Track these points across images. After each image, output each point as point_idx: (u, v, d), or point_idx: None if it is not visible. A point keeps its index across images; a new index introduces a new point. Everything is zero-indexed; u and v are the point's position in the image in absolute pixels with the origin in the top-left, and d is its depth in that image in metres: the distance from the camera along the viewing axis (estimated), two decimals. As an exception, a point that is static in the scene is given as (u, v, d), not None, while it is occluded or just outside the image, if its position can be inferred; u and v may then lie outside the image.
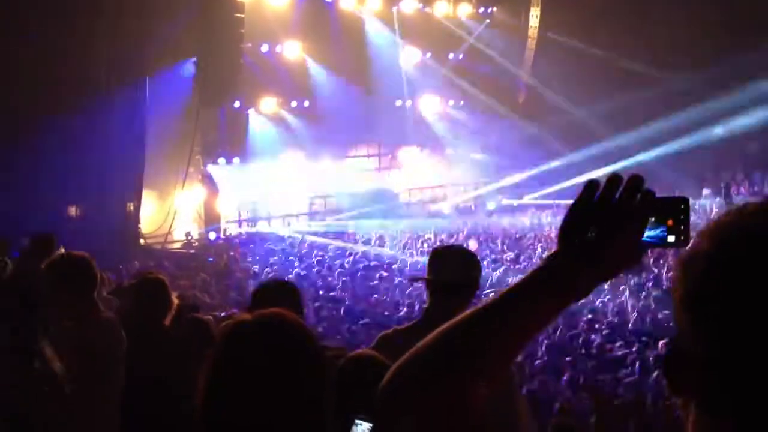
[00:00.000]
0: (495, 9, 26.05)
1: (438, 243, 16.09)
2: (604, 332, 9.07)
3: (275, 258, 16.41)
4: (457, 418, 1.07)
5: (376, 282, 13.19)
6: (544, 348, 8.28)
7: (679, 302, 0.89)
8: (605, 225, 1.06)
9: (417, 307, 10.17)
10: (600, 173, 18.85)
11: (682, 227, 1.11)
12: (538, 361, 7.98)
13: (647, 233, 1.10)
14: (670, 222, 1.11)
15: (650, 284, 11.55)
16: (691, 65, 22.06)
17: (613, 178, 1.08)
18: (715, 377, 0.84)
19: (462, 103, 26.18)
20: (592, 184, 1.09)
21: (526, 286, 1.09)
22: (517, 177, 24.82)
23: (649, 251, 1.17)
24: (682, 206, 1.12)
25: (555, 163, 23.89)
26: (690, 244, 0.93)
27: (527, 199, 24.57)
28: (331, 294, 12.31)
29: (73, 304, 3.58)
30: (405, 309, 10.34)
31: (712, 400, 0.85)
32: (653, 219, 1.10)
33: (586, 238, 1.07)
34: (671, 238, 1.12)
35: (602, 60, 22.89)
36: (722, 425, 0.84)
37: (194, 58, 19.46)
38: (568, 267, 1.07)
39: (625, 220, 1.06)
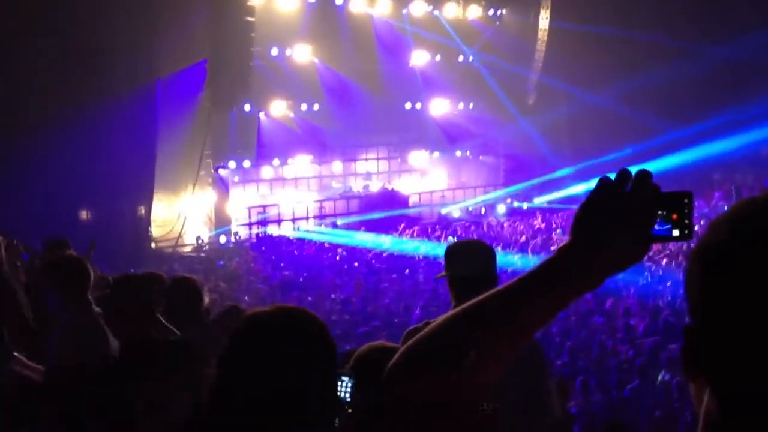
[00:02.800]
0: (504, 11, 26.03)
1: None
2: (618, 335, 9.02)
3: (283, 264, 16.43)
4: (461, 402, 1.11)
5: (386, 285, 13.19)
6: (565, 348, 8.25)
7: (697, 291, 0.92)
8: (616, 218, 1.09)
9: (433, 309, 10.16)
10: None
11: (686, 221, 1.14)
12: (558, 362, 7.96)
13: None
14: (674, 216, 1.14)
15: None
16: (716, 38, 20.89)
17: (623, 173, 1.11)
18: (733, 360, 0.87)
19: (472, 105, 26.16)
20: (603, 180, 1.12)
21: (537, 275, 1.11)
22: (528, 182, 24.71)
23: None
24: (686, 200, 1.14)
25: (565, 171, 23.77)
26: (705, 236, 0.94)
27: (537, 202, 24.50)
28: (342, 297, 12.32)
29: (66, 305, 3.62)
30: (418, 311, 10.32)
31: (729, 387, 0.89)
32: (660, 213, 1.12)
33: (597, 231, 1.09)
34: (676, 232, 1.14)
35: (616, 42, 22.02)
36: (733, 407, 0.88)
37: (205, 62, 19.53)
38: (579, 258, 1.09)
39: (636, 214, 1.09)
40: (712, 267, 0.90)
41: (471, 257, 3.26)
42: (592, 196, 1.11)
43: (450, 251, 3.36)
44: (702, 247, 0.93)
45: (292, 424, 1.64)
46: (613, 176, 1.12)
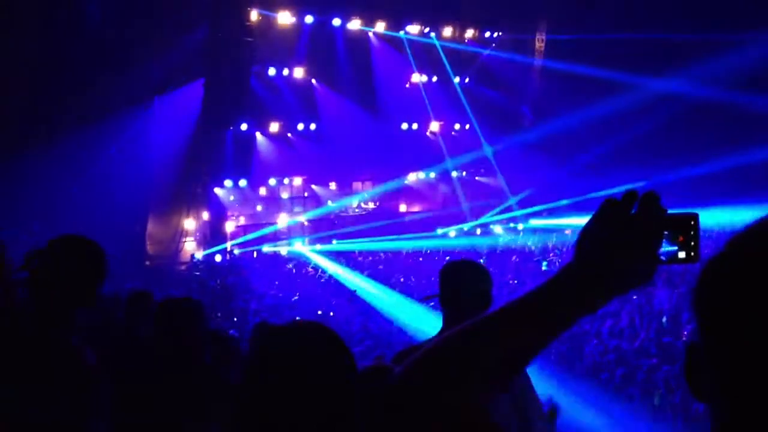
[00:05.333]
0: (501, 33, 26.20)
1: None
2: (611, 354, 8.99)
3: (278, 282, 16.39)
4: (463, 420, 1.09)
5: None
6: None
7: (697, 309, 0.92)
8: (621, 240, 1.07)
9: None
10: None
11: (693, 243, 1.12)
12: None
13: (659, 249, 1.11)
14: (681, 238, 1.12)
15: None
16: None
17: (630, 194, 1.09)
18: (727, 380, 0.87)
19: (468, 126, 26.25)
20: (609, 200, 1.10)
21: (538, 297, 1.09)
22: (524, 206, 24.64)
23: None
24: (692, 222, 1.13)
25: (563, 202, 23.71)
26: (722, 253, 0.93)
27: (533, 224, 24.48)
28: (338, 317, 12.27)
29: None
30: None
31: (724, 401, 0.88)
32: (665, 234, 1.11)
33: (601, 253, 1.07)
34: (682, 255, 1.12)
35: (612, 57, 21.15)
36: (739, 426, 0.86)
37: (202, 80, 19.58)
38: (582, 280, 1.07)
39: (641, 236, 1.07)
40: (708, 288, 0.90)
41: (464, 277, 3.24)
42: (597, 216, 1.10)
43: (444, 271, 3.34)
44: (707, 269, 0.92)
45: None
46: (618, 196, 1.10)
